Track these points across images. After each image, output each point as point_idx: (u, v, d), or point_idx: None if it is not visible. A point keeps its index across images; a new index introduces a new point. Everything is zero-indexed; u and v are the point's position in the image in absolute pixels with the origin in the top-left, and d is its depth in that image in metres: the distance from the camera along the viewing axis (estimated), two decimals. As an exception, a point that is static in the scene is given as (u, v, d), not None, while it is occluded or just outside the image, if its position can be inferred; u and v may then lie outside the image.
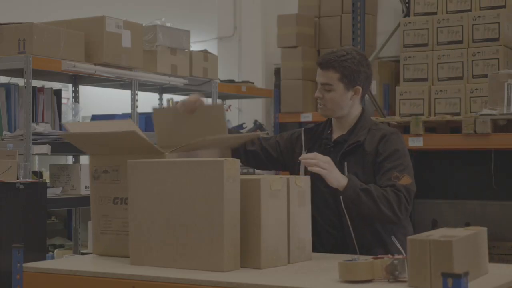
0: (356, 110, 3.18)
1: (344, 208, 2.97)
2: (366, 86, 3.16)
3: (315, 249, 2.85)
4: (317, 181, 2.92)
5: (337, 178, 2.90)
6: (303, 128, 3.30)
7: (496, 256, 5.37)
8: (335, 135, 3.19)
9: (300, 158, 2.96)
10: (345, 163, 3.03)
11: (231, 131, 3.28)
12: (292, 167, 3.19)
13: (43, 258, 3.88)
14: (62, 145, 4.74)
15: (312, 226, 2.78)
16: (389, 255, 2.29)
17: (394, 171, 2.97)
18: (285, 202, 2.59)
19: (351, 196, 2.90)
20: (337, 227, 3.07)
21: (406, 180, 2.96)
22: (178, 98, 7.11)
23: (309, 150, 3.13)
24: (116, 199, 2.86)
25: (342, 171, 2.98)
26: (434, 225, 6.03)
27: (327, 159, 2.92)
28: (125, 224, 2.77)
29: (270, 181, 2.53)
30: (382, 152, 3.03)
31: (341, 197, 2.95)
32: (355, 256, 2.34)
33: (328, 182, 2.91)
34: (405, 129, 5.56)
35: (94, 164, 2.91)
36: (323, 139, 3.20)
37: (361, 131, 3.12)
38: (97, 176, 2.91)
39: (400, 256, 2.25)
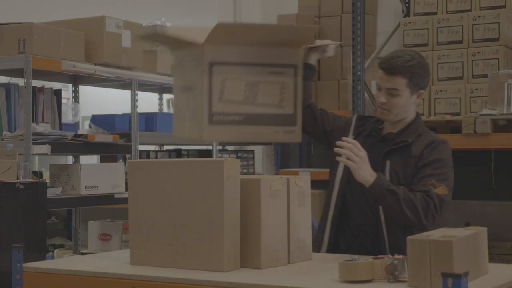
0: (412, 114, 3.18)
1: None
2: (426, 88, 3.18)
3: (339, 249, 2.97)
4: None
5: (364, 174, 2.89)
6: (357, 115, 3.34)
7: (496, 256, 5.37)
8: (385, 132, 3.19)
9: (341, 140, 2.94)
10: (388, 161, 3.03)
11: None
12: (334, 147, 3.17)
13: (43, 258, 3.88)
14: (62, 145, 4.74)
15: (345, 222, 2.85)
16: (389, 255, 2.29)
17: (433, 179, 2.94)
18: (285, 202, 2.59)
19: (376, 194, 2.90)
20: (371, 222, 3.07)
21: (442, 190, 2.94)
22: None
23: (355, 137, 3.13)
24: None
25: (383, 168, 2.99)
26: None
27: (361, 153, 2.90)
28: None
29: (270, 181, 2.53)
30: (425, 157, 3.02)
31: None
32: (355, 256, 2.34)
33: (355, 176, 2.91)
34: (405, 129, 5.55)
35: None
36: (373, 132, 3.19)
37: (411, 133, 3.11)
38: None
39: (400, 256, 2.25)
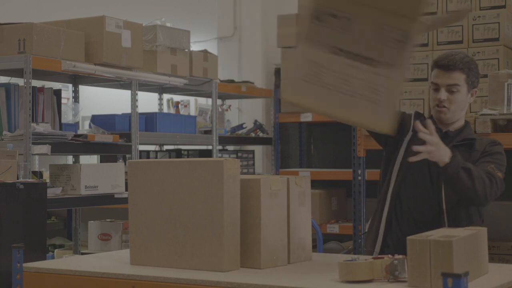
0: (463, 118, 3.28)
1: (443, 192, 3.09)
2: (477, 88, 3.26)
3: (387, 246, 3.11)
4: (419, 162, 2.98)
5: (440, 155, 2.92)
6: (415, 111, 3.39)
7: (496, 256, 5.37)
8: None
9: (419, 135, 2.92)
10: None
11: None
12: (393, 142, 3.26)
13: (43, 258, 3.88)
14: (62, 145, 4.74)
15: (400, 217, 3.00)
16: (389, 255, 2.29)
17: (493, 165, 3.09)
18: (285, 202, 2.59)
19: (451, 172, 2.94)
20: (433, 212, 3.14)
21: (500, 175, 3.10)
22: (178, 98, 7.12)
23: (415, 133, 3.15)
24: (336, 48, 2.52)
25: None
26: None
27: (435, 140, 2.91)
28: (343, 81, 2.49)
29: (270, 181, 2.53)
30: (488, 150, 3.16)
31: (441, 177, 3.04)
32: (355, 256, 2.34)
33: (430, 158, 2.93)
34: (405, 129, 5.56)
35: (319, 2, 2.52)
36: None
37: (470, 133, 3.25)
38: (318, 17, 2.52)
39: (400, 256, 2.25)
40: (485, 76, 5.38)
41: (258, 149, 7.57)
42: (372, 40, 2.52)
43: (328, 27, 2.50)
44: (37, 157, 7.26)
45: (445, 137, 3.18)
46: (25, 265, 2.59)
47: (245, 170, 7.09)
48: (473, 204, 3.15)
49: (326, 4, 2.51)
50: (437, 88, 3.16)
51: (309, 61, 2.52)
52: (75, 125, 5.35)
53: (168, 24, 5.93)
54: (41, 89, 4.93)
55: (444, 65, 3.14)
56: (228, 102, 7.53)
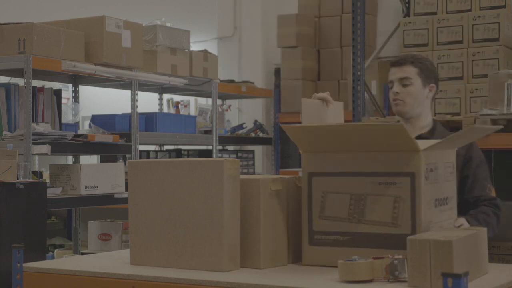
0: (428, 116, 3.30)
1: None
2: (437, 89, 3.31)
3: None
4: None
5: None
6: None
7: (496, 256, 5.36)
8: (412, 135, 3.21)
9: None
10: None
11: None
12: None
13: (43, 258, 3.88)
14: (62, 145, 4.74)
15: None
16: (389, 255, 2.29)
17: (487, 183, 3.17)
18: (285, 202, 2.59)
19: None
20: None
21: (494, 192, 3.18)
22: (178, 98, 7.12)
23: None
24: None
25: None
26: None
27: None
28: None
29: (270, 181, 2.53)
30: (475, 157, 3.20)
31: None
32: (355, 256, 2.34)
33: None
34: (405, 129, 5.55)
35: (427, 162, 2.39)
36: None
37: (443, 133, 3.22)
38: None
39: (400, 256, 2.25)
40: (485, 76, 5.38)
41: (258, 149, 7.57)
42: None
43: None
44: (37, 157, 7.27)
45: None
46: (25, 265, 2.59)
47: (245, 170, 7.10)
48: None
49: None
50: (392, 85, 3.27)
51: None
52: (75, 125, 5.35)
53: (168, 24, 5.93)
54: (41, 89, 4.93)
55: (395, 61, 3.27)
56: (228, 102, 7.53)
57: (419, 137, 3.16)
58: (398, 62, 3.26)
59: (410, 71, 3.23)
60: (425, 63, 3.27)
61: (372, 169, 2.42)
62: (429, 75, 3.26)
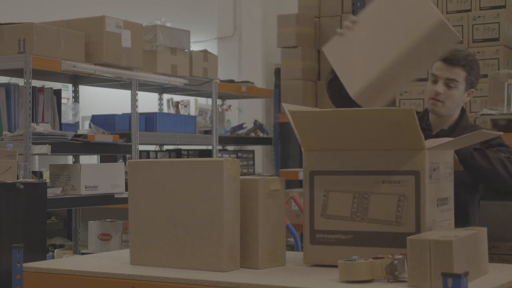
0: (457, 114, 3.21)
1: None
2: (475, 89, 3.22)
3: None
4: None
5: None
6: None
7: (496, 256, 5.36)
8: (434, 129, 3.19)
9: None
10: None
11: None
12: None
13: (43, 258, 3.88)
14: (62, 145, 4.74)
15: None
16: (389, 255, 2.29)
17: (501, 152, 3.02)
18: (284, 202, 2.59)
19: (464, 156, 2.89)
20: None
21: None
22: (178, 98, 7.12)
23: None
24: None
25: None
26: None
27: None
28: None
29: (268, 181, 2.53)
30: (491, 142, 3.06)
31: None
32: (355, 256, 2.34)
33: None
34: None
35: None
36: (423, 128, 3.18)
37: (464, 129, 3.12)
38: None
39: (400, 256, 2.25)
40: (485, 76, 5.38)
41: (258, 149, 7.57)
42: None
43: None
44: (37, 157, 7.27)
45: (437, 137, 3.13)
46: (25, 265, 2.59)
47: (245, 170, 7.10)
48: (505, 188, 3.01)
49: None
50: (435, 80, 3.13)
51: None
52: (75, 125, 5.35)
53: (168, 24, 5.93)
54: (41, 89, 4.93)
55: (447, 58, 3.09)
56: (228, 102, 7.53)
57: (437, 135, 3.12)
58: (451, 61, 3.09)
59: (459, 73, 3.10)
60: (474, 68, 3.13)
61: (375, 167, 2.41)
62: (474, 81, 3.15)
